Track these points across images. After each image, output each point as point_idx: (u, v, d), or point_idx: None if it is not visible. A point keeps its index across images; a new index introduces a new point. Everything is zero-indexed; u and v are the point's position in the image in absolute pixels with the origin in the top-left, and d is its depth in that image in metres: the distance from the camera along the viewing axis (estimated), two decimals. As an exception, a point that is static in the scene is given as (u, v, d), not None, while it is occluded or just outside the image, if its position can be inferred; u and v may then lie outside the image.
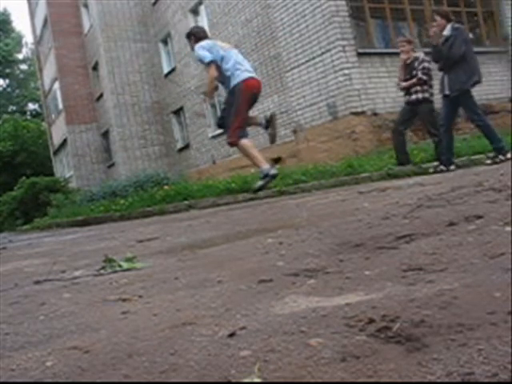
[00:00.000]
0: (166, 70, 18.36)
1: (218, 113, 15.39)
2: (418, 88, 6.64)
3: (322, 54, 10.23)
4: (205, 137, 16.06)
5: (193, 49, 5.95)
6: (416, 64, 6.67)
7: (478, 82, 6.08)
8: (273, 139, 5.97)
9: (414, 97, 6.66)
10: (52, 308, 1.62)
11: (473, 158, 6.82)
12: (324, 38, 10.16)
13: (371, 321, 0.98)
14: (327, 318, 1.05)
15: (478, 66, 6.14)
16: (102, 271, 2.25)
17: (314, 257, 1.78)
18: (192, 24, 15.99)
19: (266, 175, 5.60)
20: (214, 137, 15.50)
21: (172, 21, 17.12)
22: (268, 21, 11.92)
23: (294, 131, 11.41)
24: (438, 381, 0.71)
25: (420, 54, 6.87)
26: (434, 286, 1.16)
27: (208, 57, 5.59)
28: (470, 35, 10.88)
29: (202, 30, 6.19)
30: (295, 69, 11.15)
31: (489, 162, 6.01)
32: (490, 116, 11.19)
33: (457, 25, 6.25)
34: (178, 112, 18.01)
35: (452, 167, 6.13)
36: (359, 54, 9.93)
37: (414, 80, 6.61)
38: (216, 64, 5.58)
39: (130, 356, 1.01)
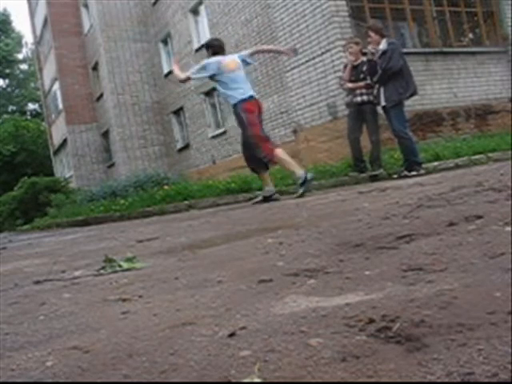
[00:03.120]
0: (165, 70, 18.35)
1: (219, 113, 15.41)
2: (364, 90, 6.71)
3: (322, 54, 10.23)
4: (205, 137, 16.06)
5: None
6: (364, 67, 6.72)
7: (414, 93, 6.36)
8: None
9: (359, 98, 6.70)
10: (52, 308, 1.62)
11: (473, 157, 6.82)
12: (324, 38, 10.15)
13: (371, 321, 0.98)
14: (327, 318, 1.05)
15: (413, 78, 6.38)
16: (102, 271, 2.25)
17: (314, 257, 1.78)
18: (192, 24, 16.02)
19: (305, 181, 5.66)
20: (213, 137, 15.50)
21: (172, 21, 17.12)
22: (268, 21, 11.92)
23: (294, 131, 11.41)
24: (438, 381, 0.71)
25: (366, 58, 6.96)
26: (434, 285, 1.16)
27: (193, 72, 6.07)
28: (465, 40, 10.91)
29: (219, 44, 6.25)
30: (295, 69, 11.15)
31: (395, 176, 6.30)
32: (490, 116, 11.21)
33: (391, 39, 6.49)
34: (177, 112, 18.01)
35: (422, 171, 6.26)
36: (359, 54, 9.93)
37: (363, 83, 6.66)
38: (188, 78, 6.17)
39: (130, 356, 1.01)
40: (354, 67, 6.77)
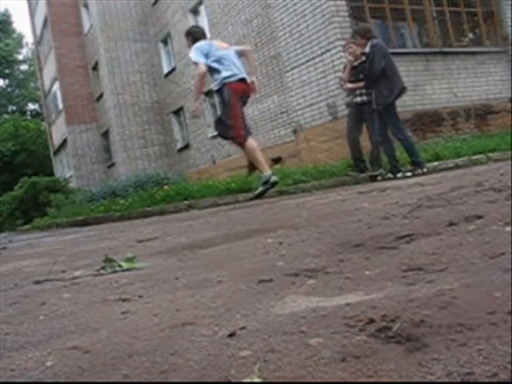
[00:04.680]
0: (165, 70, 18.36)
1: (219, 113, 15.41)
2: (363, 90, 6.71)
3: (322, 54, 10.24)
4: (205, 137, 16.07)
5: (190, 47, 6.02)
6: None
7: (402, 92, 6.32)
8: (258, 196, 5.91)
9: (358, 98, 6.70)
10: (52, 308, 1.62)
11: (473, 157, 6.82)
12: (324, 38, 10.16)
13: (371, 321, 0.98)
14: (327, 318, 1.05)
15: (399, 77, 6.33)
16: (102, 271, 2.25)
17: (314, 257, 1.78)
18: (192, 24, 16.01)
19: (267, 181, 5.61)
20: (213, 137, 15.50)
21: (172, 21, 17.12)
22: (268, 21, 11.92)
23: (294, 131, 11.41)
24: (438, 381, 0.71)
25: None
26: (434, 285, 1.16)
27: (198, 57, 5.69)
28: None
29: (200, 30, 6.21)
30: (295, 69, 11.15)
31: (409, 174, 6.29)
32: (490, 116, 11.21)
33: (375, 41, 6.42)
34: (177, 112, 18.01)
35: (399, 174, 6.30)
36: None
37: (362, 84, 6.65)
38: (206, 64, 5.68)
39: (130, 356, 1.01)
40: (354, 67, 6.78)
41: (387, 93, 6.14)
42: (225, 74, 5.66)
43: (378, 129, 6.34)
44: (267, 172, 5.71)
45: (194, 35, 5.98)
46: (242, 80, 5.73)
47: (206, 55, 5.69)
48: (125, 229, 5.72)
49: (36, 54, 26.67)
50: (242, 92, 5.73)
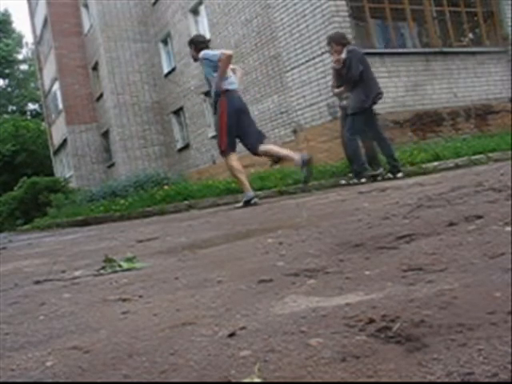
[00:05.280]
0: (165, 70, 18.35)
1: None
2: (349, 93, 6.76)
3: (322, 54, 10.23)
4: (205, 137, 16.07)
5: (193, 56, 6.11)
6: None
7: (378, 96, 6.43)
8: (306, 180, 6.10)
9: (345, 102, 6.74)
10: (52, 308, 1.62)
11: (473, 157, 6.82)
12: (324, 38, 10.14)
13: (371, 321, 0.98)
14: (327, 318, 1.05)
15: (375, 82, 6.45)
16: (102, 271, 2.25)
17: (314, 257, 1.78)
18: (192, 24, 16.01)
19: (248, 201, 5.80)
20: (214, 137, 15.49)
21: (172, 21, 17.12)
22: (268, 21, 11.92)
23: (294, 131, 11.41)
24: (438, 381, 0.71)
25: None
26: (434, 285, 1.16)
27: (216, 54, 5.81)
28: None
29: (204, 39, 6.24)
30: (295, 69, 11.15)
31: (343, 182, 6.48)
32: (490, 116, 11.21)
33: (351, 47, 6.54)
34: (177, 112, 18.01)
35: (399, 174, 6.36)
36: (359, 54, 9.93)
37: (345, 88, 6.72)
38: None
39: (130, 356, 1.01)
40: (338, 71, 6.77)
41: (364, 97, 6.27)
42: (226, 86, 5.80)
43: (347, 131, 6.47)
44: (250, 192, 5.89)
45: (198, 45, 6.05)
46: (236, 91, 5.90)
47: (215, 65, 5.79)
48: (125, 229, 5.72)
49: (36, 54, 26.66)
50: (237, 105, 5.85)
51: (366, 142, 6.67)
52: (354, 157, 6.48)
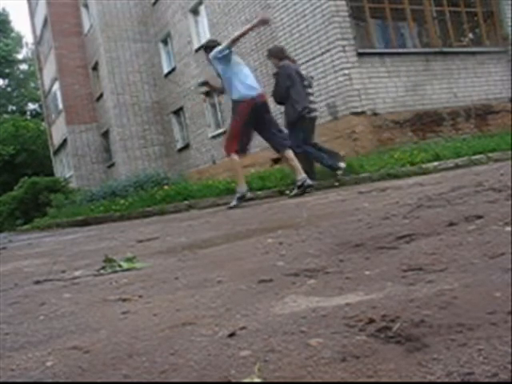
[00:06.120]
0: (165, 69, 18.35)
1: (219, 113, 15.40)
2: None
3: (322, 53, 10.23)
4: (205, 137, 16.06)
5: (209, 60, 6.18)
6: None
7: (304, 110, 6.54)
8: (288, 192, 6.27)
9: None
10: (52, 308, 1.62)
11: (473, 157, 6.82)
12: (324, 38, 10.15)
13: (371, 321, 0.98)
14: (327, 318, 1.05)
15: (303, 97, 6.59)
16: (102, 271, 2.25)
17: (314, 257, 1.78)
18: (192, 24, 16.01)
19: (242, 197, 5.93)
20: (214, 137, 15.50)
21: (172, 21, 17.12)
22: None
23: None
24: (438, 381, 0.71)
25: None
26: (434, 285, 1.16)
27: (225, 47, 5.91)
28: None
29: (218, 44, 6.32)
30: (295, 69, 11.14)
31: (290, 192, 6.36)
32: (490, 116, 11.21)
33: (282, 63, 6.65)
34: (177, 112, 18.01)
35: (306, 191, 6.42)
36: (359, 54, 9.93)
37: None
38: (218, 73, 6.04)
39: (130, 356, 1.01)
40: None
41: (292, 112, 6.50)
42: (240, 88, 5.90)
43: (292, 144, 6.55)
44: (242, 188, 6.01)
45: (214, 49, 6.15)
46: (256, 94, 5.97)
47: (227, 56, 5.89)
48: (125, 229, 5.72)
49: (36, 54, 26.66)
50: (253, 105, 5.91)
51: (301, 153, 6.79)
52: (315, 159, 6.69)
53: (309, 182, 5.97)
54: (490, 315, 0.91)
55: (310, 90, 6.95)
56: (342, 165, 6.52)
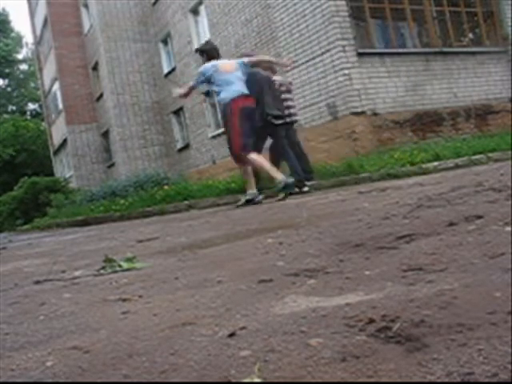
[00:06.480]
0: (165, 69, 18.36)
1: (219, 113, 15.41)
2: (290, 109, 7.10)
3: (322, 53, 10.24)
4: (205, 137, 16.07)
5: (204, 63, 6.26)
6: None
7: (269, 118, 6.58)
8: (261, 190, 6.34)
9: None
10: (52, 308, 1.62)
11: (473, 157, 6.82)
12: (324, 38, 10.16)
13: (371, 321, 0.98)
14: (327, 318, 1.05)
15: (268, 104, 6.60)
16: (102, 271, 2.25)
17: (314, 257, 1.78)
18: (192, 24, 16.02)
19: (251, 200, 5.90)
20: (213, 137, 15.50)
21: (172, 21, 17.12)
22: (268, 21, 11.92)
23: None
24: (438, 381, 0.71)
25: (277, 78, 7.16)
26: (434, 285, 1.16)
27: (194, 79, 6.24)
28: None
29: (214, 48, 6.37)
30: (295, 69, 11.14)
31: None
32: (490, 116, 11.21)
33: (252, 70, 6.62)
34: (177, 112, 18.01)
35: (305, 189, 6.61)
36: (359, 54, 9.94)
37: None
38: (192, 88, 6.22)
39: (130, 356, 1.01)
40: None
41: (258, 117, 6.47)
42: (223, 95, 5.95)
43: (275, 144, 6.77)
44: (253, 190, 5.99)
45: (209, 54, 6.24)
46: (239, 96, 5.94)
47: (209, 78, 5.99)
48: (125, 229, 5.72)
49: (36, 54, 26.66)
50: (241, 105, 5.91)
51: (271, 154, 6.86)
52: (292, 163, 6.75)
53: (259, 198, 6.01)
54: (489, 315, 0.91)
55: (288, 96, 7.05)
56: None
